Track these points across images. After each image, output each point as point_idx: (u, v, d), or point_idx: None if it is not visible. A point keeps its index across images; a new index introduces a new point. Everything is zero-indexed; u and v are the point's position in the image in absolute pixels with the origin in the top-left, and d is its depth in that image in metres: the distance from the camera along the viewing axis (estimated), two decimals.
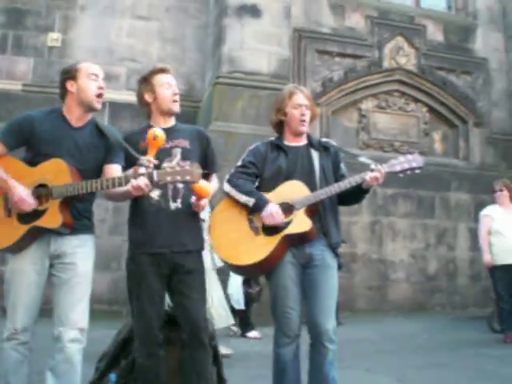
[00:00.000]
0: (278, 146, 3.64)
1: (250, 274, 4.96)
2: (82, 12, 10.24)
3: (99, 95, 3.29)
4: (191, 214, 3.39)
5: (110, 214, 9.28)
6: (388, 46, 11.08)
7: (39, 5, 10.04)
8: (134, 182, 2.94)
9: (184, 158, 3.32)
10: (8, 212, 3.12)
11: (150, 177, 2.92)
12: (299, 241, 3.41)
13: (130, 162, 3.20)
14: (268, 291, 3.65)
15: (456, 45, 11.72)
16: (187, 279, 3.31)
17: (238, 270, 3.80)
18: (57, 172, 3.06)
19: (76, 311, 3.11)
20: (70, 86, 3.26)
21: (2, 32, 9.86)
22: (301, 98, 3.62)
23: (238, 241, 3.45)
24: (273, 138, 3.73)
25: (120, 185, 3.00)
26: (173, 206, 3.33)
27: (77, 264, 3.16)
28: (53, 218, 3.03)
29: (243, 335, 7.22)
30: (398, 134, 10.99)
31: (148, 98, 3.48)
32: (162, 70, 3.54)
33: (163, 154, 3.30)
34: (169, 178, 2.90)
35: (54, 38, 9.99)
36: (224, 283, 6.39)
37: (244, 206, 3.48)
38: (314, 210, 3.43)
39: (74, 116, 3.28)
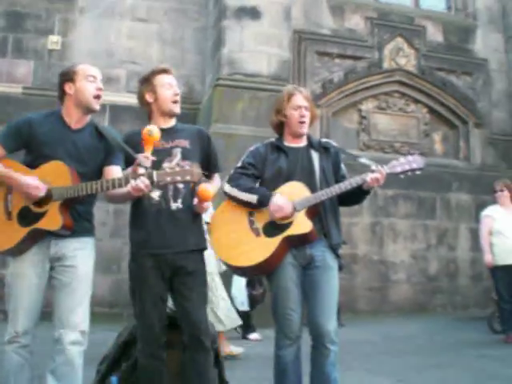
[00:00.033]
0: (278, 147, 3.63)
1: (250, 275, 4.98)
2: (81, 15, 10.25)
3: (97, 96, 3.29)
4: (192, 214, 3.38)
5: (110, 216, 9.29)
6: (388, 46, 11.09)
7: (39, 8, 10.05)
8: (133, 182, 2.94)
9: (184, 158, 3.32)
10: (8, 215, 3.12)
11: (149, 177, 2.92)
12: (300, 242, 3.40)
13: (130, 164, 3.19)
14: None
15: (456, 45, 11.73)
16: (188, 281, 3.31)
17: (239, 271, 3.80)
18: (57, 174, 3.07)
19: (77, 313, 3.11)
20: (68, 88, 3.27)
21: (2, 35, 9.87)
22: (300, 99, 3.61)
23: (238, 242, 3.45)
24: (273, 139, 3.72)
25: (120, 186, 3.00)
26: (173, 206, 3.32)
27: (77, 267, 3.16)
28: (53, 219, 3.03)
29: (244, 337, 7.21)
30: (399, 134, 11.00)
31: (149, 97, 3.48)
32: (164, 71, 3.54)
33: (163, 154, 3.30)
34: (168, 179, 2.90)
35: (53, 40, 10.00)
36: (227, 285, 6.39)
37: (245, 205, 3.48)
38: (314, 211, 3.43)
39: (73, 118, 3.28)
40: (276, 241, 3.36)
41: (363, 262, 10.07)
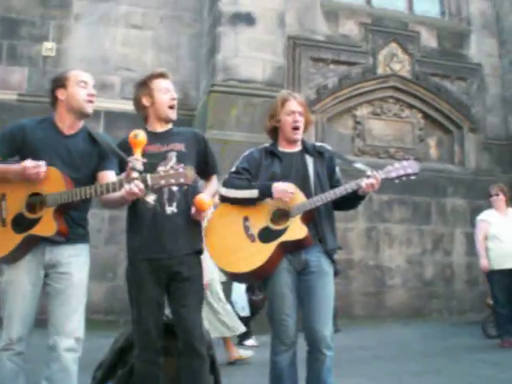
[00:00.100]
0: (272, 153, 3.64)
1: (246, 281, 4.97)
2: (76, 21, 10.25)
3: (89, 102, 3.29)
4: (188, 218, 3.37)
5: (105, 223, 9.28)
6: (382, 52, 11.10)
7: (34, 14, 10.05)
8: (127, 186, 2.93)
9: (179, 161, 3.31)
10: (2, 222, 3.11)
11: (143, 181, 2.91)
12: (295, 247, 3.40)
13: (124, 169, 3.19)
14: None
15: (450, 51, 11.76)
16: (184, 287, 3.30)
17: (235, 277, 3.80)
18: (51, 180, 3.06)
19: (72, 320, 3.10)
20: (60, 94, 3.27)
21: None
22: (294, 104, 3.61)
23: (234, 248, 3.45)
24: (267, 145, 3.73)
25: (114, 190, 3.00)
26: (169, 210, 3.32)
27: (72, 274, 3.15)
28: (47, 225, 3.02)
29: (241, 343, 7.19)
30: (393, 140, 11.01)
31: (145, 101, 3.48)
32: (161, 75, 3.54)
33: (158, 158, 3.31)
34: (163, 182, 2.90)
35: (48, 47, 9.99)
36: (227, 291, 6.42)
37: (245, 204, 3.48)
38: (309, 217, 3.43)
39: (66, 124, 3.29)
40: (271, 246, 3.36)
41: (359, 267, 10.07)
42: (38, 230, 3.03)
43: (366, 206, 9.94)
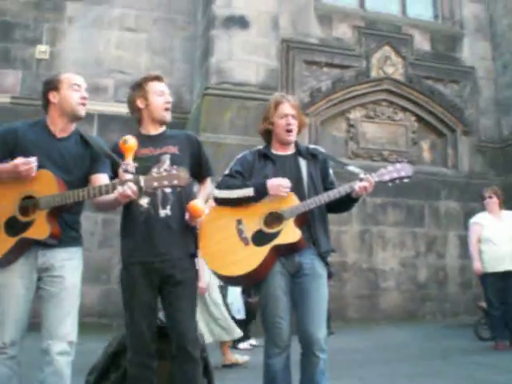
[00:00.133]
0: (265, 155, 3.64)
1: (240, 284, 4.97)
2: (70, 24, 10.25)
3: (82, 104, 3.29)
4: (182, 221, 3.37)
5: (99, 226, 9.27)
6: (375, 55, 11.13)
7: (27, 17, 10.05)
8: (120, 189, 2.93)
9: (173, 164, 3.28)
10: None
11: (136, 183, 2.91)
12: (288, 250, 3.40)
13: (117, 172, 3.19)
14: None
15: (443, 54, 11.80)
16: (177, 290, 3.29)
17: (229, 280, 3.79)
18: (43, 183, 3.05)
19: (65, 324, 3.09)
20: (53, 97, 3.26)
21: None
22: (287, 107, 3.61)
23: (227, 251, 3.44)
24: (261, 147, 3.73)
25: (107, 192, 3.00)
26: (162, 213, 3.32)
27: (65, 277, 3.13)
28: (40, 228, 3.01)
29: (235, 347, 7.19)
30: (387, 143, 11.03)
31: (140, 103, 3.48)
32: (157, 78, 3.55)
33: (152, 161, 3.32)
34: (156, 184, 2.89)
35: (42, 50, 9.99)
36: (222, 294, 6.41)
37: (240, 204, 3.47)
38: (303, 220, 3.43)
39: (58, 127, 3.28)
40: (265, 250, 3.36)
41: (353, 270, 10.08)
42: (31, 233, 3.02)
43: (359, 209, 9.95)
